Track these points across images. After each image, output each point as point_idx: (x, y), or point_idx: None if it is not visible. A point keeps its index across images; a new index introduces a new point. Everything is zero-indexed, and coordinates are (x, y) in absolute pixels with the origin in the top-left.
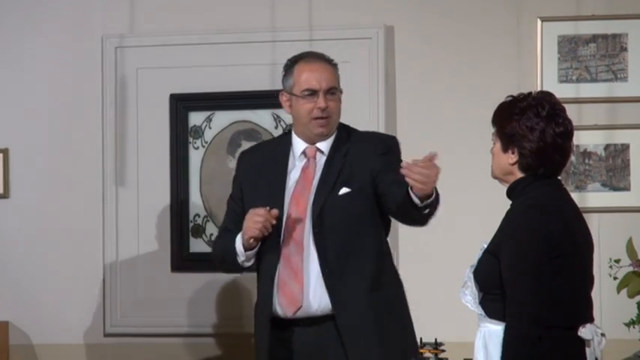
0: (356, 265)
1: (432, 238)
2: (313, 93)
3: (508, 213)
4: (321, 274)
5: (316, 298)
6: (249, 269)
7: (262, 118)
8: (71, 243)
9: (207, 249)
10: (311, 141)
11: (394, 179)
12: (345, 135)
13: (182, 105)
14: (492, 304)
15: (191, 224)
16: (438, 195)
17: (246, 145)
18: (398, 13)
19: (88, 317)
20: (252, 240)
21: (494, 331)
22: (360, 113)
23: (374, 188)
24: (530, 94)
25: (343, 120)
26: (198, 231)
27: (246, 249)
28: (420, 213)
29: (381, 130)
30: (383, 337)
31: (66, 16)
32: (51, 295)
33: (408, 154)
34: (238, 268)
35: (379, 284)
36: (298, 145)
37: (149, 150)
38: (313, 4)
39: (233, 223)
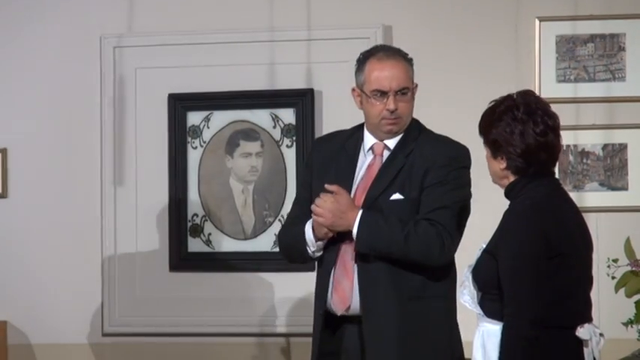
0: (393, 272)
1: None
2: (383, 94)
3: (506, 213)
4: (361, 277)
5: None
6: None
7: (260, 117)
8: (69, 242)
9: (206, 248)
10: (380, 138)
11: (427, 192)
12: (416, 134)
13: (180, 105)
14: (491, 304)
15: (189, 224)
16: (362, 237)
17: (244, 144)
18: (396, 13)
19: (87, 317)
20: (325, 231)
21: (492, 330)
22: (358, 113)
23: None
24: (509, 96)
25: (342, 119)
26: (197, 230)
27: (317, 239)
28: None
29: None
30: (407, 347)
31: (64, 16)
32: (49, 295)
33: None
34: (307, 258)
35: (417, 296)
36: (368, 140)
37: (147, 149)
38: (312, 3)
39: (302, 211)
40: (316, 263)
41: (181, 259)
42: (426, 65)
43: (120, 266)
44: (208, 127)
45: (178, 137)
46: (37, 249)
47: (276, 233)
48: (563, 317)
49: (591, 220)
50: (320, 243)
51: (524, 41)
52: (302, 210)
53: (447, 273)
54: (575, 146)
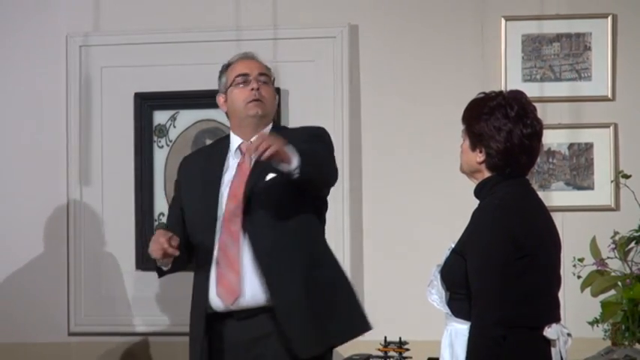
0: (289, 250)
1: (398, 237)
2: (245, 78)
3: (474, 213)
4: (253, 264)
5: (250, 287)
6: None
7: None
8: (35, 241)
9: None
10: (247, 136)
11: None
12: (281, 130)
13: (147, 104)
14: (458, 304)
15: (156, 223)
16: (302, 158)
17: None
18: (362, 13)
19: (53, 316)
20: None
21: (460, 330)
22: (325, 112)
23: None
24: (501, 92)
25: (308, 118)
26: None
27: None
28: (298, 179)
29: (346, 128)
30: (322, 318)
31: (30, 14)
32: (15, 294)
33: (373, 153)
34: (159, 273)
35: (314, 266)
36: (234, 141)
37: (113, 149)
38: (278, 3)
39: (172, 226)
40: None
41: (148, 258)
42: (392, 64)
43: (86, 265)
44: (174, 127)
45: (144, 136)
46: (3, 247)
47: None
48: (530, 317)
49: (557, 220)
50: (162, 261)
51: (490, 40)
52: (171, 224)
53: (322, 245)
54: (542, 146)
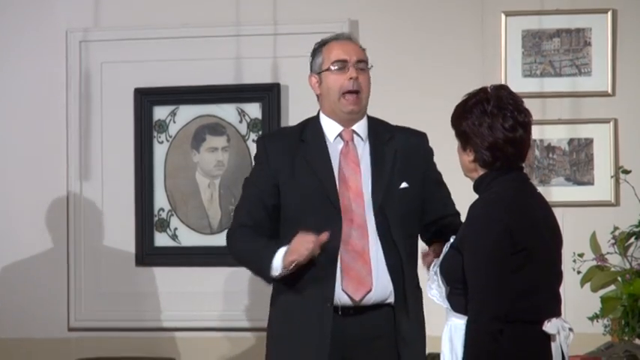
0: (411, 261)
1: None
2: (343, 64)
3: (471, 208)
4: (385, 263)
5: (380, 284)
6: None
7: (227, 112)
8: (35, 237)
9: (172, 243)
10: (345, 123)
11: (433, 189)
12: (376, 122)
13: (146, 99)
14: (457, 299)
15: (155, 218)
16: None
17: (210, 139)
18: (362, 8)
19: (53, 311)
20: (294, 264)
21: (458, 324)
22: None
23: (422, 190)
24: (482, 89)
25: (308, 114)
26: (163, 225)
27: (284, 267)
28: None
29: None
30: (422, 332)
31: (30, 10)
32: (15, 289)
33: None
34: (264, 279)
35: (416, 277)
36: (329, 127)
37: (113, 144)
38: None
39: (252, 217)
40: None
41: (147, 254)
42: (391, 60)
43: (86, 261)
44: (174, 122)
45: (144, 132)
46: (3, 244)
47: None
48: (528, 312)
49: (557, 215)
50: (286, 271)
51: (490, 36)
52: (252, 216)
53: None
54: (542, 141)
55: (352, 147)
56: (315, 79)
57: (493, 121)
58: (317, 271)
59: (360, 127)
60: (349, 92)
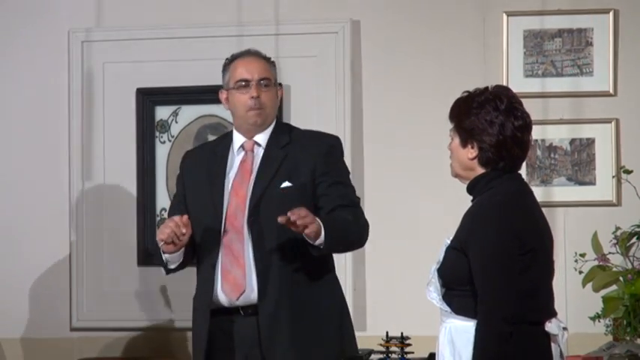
0: (286, 259)
1: (397, 233)
2: (246, 83)
3: (474, 209)
4: (254, 265)
5: (253, 284)
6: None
7: (228, 112)
8: (37, 236)
9: None
10: (249, 135)
11: (328, 187)
12: (286, 130)
13: (149, 99)
14: (462, 301)
15: (157, 218)
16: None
17: (212, 139)
18: (364, 8)
19: (55, 311)
20: (162, 243)
21: (461, 327)
22: (326, 107)
23: (314, 188)
24: (487, 88)
25: (310, 113)
26: None
27: (164, 252)
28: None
29: (347, 124)
30: (299, 335)
31: (32, 10)
32: (18, 289)
33: (374, 148)
34: (166, 269)
35: (307, 281)
36: (237, 139)
37: (115, 144)
38: None
39: None
40: (196, 266)
41: (149, 254)
42: (393, 60)
43: (88, 261)
44: (176, 122)
45: (146, 132)
46: (4, 243)
47: None
48: (532, 313)
49: (559, 215)
50: (168, 256)
51: (492, 36)
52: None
53: (322, 264)
54: (543, 141)
55: (250, 156)
56: (224, 95)
57: (505, 120)
58: (203, 275)
59: (262, 136)
60: (252, 109)
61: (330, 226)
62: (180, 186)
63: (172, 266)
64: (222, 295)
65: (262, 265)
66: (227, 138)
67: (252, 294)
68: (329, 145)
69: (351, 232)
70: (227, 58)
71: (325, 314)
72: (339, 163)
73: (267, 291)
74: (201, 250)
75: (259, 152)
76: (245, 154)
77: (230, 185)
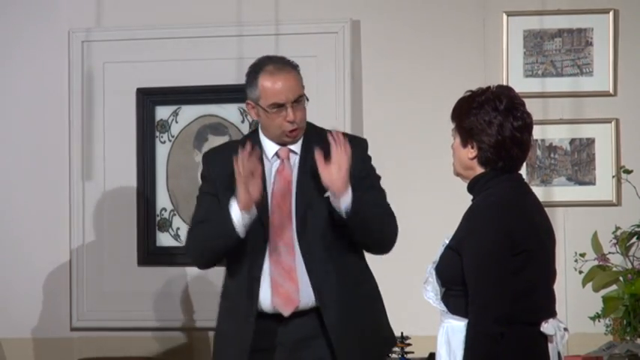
0: (339, 265)
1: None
2: (280, 106)
3: (470, 209)
4: (306, 273)
5: (305, 296)
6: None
7: (229, 112)
8: (37, 237)
9: (174, 243)
10: (281, 143)
11: (364, 192)
12: (317, 133)
13: (149, 99)
14: (455, 300)
15: (158, 218)
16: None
17: (212, 139)
18: (364, 8)
19: (55, 311)
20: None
21: (456, 326)
22: (326, 108)
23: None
24: (489, 88)
25: (310, 113)
26: (165, 225)
27: (242, 207)
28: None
29: (347, 124)
30: (363, 330)
31: (32, 10)
32: (18, 289)
33: (374, 149)
34: (228, 246)
35: (359, 282)
36: (268, 146)
37: (116, 144)
38: None
39: (209, 216)
40: (225, 275)
41: (150, 254)
42: (393, 59)
43: (88, 261)
44: (177, 122)
45: (147, 132)
46: (5, 243)
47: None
48: (527, 313)
49: (559, 215)
50: (246, 217)
51: (492, 36)
52: (209, 214)
53: (364, 263)
54: (543, 141)
55: (287, 165)
56: (252, 106)
57: (504, 120)
58: (242, 286)
59: (296, 144)
60: (289, 131)
61: (358, 196)
62: (210, 187)
63: (243, 235)
64: (270, 307)
65: (316, 278)
66: (253, 140)
67: (306, 307)
68: (363, 149)
69: (379, 217)
70: (251, 68)
71: (371, 295)
72: (372, 168)
73: (325, 303)
74: (239, 256)
75: (295, 161)
76: (281, 162)
77: (270, 199)
